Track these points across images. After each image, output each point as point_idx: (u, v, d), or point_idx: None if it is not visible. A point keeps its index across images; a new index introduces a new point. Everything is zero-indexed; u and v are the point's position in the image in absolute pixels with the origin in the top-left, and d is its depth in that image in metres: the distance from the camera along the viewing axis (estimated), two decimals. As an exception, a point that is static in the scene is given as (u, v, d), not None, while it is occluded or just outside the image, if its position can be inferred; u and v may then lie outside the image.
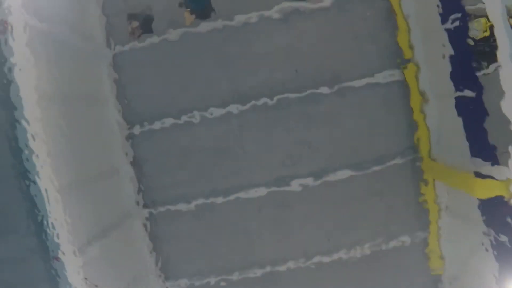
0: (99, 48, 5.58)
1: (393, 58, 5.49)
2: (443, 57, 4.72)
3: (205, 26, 5.57)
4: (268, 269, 5.85)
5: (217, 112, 5.63)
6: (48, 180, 3.73)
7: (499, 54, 3.32)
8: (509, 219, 4.02)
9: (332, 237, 5.79)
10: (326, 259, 5.82)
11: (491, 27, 3.70)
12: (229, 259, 5.84)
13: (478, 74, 4.40)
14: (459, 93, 4.59)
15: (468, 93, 4.44)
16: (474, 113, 4.38)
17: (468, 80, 4.42)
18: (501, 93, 3.47)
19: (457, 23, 4.45)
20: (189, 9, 5.62)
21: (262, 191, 5.72)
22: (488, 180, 4.06)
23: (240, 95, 5.62)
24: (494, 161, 4.13)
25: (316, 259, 5.82)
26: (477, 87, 4.33)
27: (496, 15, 3.23)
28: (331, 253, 5.81)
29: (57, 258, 3.70)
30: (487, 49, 4.57)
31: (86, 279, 3.88)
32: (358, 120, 5.62)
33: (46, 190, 3.70)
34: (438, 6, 4.67)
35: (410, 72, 5.42)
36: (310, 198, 5.73)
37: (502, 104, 3.45)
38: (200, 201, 5.73)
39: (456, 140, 4.73)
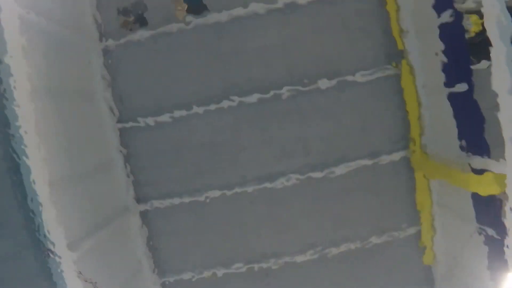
0: (92, 42, 5.53)
1: (388, 54, 5.51)
2: (436, 53, 4.74)
3: (199, 20, 5.54)
4: (262, 263, 5.87)
5: (211, 107, 5.62)
6: (40, 175, 3.70)
7: (492, 51, 3.33)
8: (500, 214, 4.05)
9: (327, 232, 5.82)
10: (320, 254, 5.85)
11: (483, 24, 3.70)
12: (224, 254, 5.85)
13: (471, 69, 4.40)
14: (452, 88, 4.61)
15: (460, 87, 4.47)
16: (466, 108, 4.41)
17: (461, 75, 4.44)
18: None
19: (450, 19, 4.47)
20: (183, 3, 5.57)
21: (256, 186, 5.73)
22: (482, 175, 4.09)
23: (234, 90, 5.61)
24: (487, 155, 4.17)
25: (311, 254, 5.85)
26: (470, 82, 4.36)
27: (490, 11, 3.24)
28: (325, 248, 5.84)
29: (51, 253, 3.68)
30: (478, 45, 4.58)
31: (79, 272, 3.85)
32: (352, 115, 5.64)
33: (38, 185, 3.67)
34: (432, 2, 4.68)
35: (404, 67, 5.44)
36: (305, 193, 5.75)
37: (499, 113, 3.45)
38: (195, 196, 5.73)
39: (449, 135, 4.77)
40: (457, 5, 4.38)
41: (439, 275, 5.74)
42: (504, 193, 3.77)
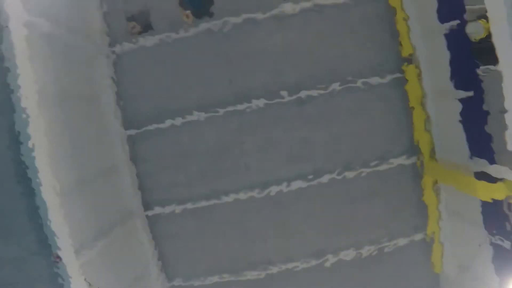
0: (99, 48, 5.57)
1: (394, 58, 5.48)
2: (443, 57, 4.72)
3: (204, 25, 5.55)
4: (268, 269, 5.83)
5: (217, 111, 5.62)
6: (48, 180, 3.73)
7: (499, 55, 3.30)
8: (509, 221, 4.01)
9: (333, 237, 5.77)
10: (326, 259, 5.81)
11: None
12: (230, 259, 5.83)
13: (478, 74, 4.37)
14: (459, 93, 4.58)
15: (468, 93, 4.44)
16: (474, 113, 4.38)
17: (468, 80, 4.41)
18: (500, 93, 3.46)
19: (456, 23, 4.45)
20: (188, 8, 5.61)
21: (262, 191, 5.71)
22: (490, 182, 4.04)
23: (239, 95, 5.61)
24: (495, 161, 4.13)
25: (317, 259, 5.81)
26: (477, 87, 4.33)
27: (496, 15, 3.22)
28: (332, 253, 5.80)
29: (58, 258, 3.69)
30: (486, 49, 4.54)
31: (85, 280, 3.86)
32: (359, 119, 5.61)
33: (45, 190, 3.70)
34: (437, 6, 4.66)
35: (411, 72, 5.41)
36: (310, 198, 5.72)
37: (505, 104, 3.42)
38: (200, 201, 5.72)
39: (456, 140, 4.73)
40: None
41: (447, 282, 5.67)
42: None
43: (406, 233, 5.74)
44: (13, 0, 3.70)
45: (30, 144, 3.65)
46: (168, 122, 5.63)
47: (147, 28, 5.61)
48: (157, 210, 5.76)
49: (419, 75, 5.35)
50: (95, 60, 5.54)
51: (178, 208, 5.76)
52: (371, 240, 5.77)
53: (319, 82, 5.55)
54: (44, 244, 3.70)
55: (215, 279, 5.87)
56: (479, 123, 4.26)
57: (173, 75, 5.62)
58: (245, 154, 5.70)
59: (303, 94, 5.57)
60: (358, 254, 5.78)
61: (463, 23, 4.35)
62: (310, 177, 5.68)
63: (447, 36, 4.56)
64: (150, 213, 5.77)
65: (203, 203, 5.74)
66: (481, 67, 4.33)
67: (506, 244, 4.09)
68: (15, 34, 3.66)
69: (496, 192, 3.89)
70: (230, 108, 5.60)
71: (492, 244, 4.38)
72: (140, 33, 5.62)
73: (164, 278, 5.89)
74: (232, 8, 5.50)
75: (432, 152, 5.42)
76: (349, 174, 5.65)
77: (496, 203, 4.02)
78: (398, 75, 5.49)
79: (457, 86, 4.58)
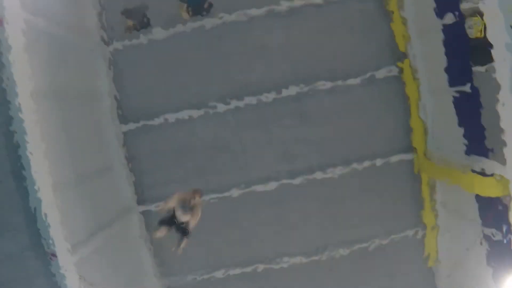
0: (96, 45, 5.57)
1: (390, 55, 5.49)
2: (439, 53, 4.73)
3: (202, 22, 5.55)
4: (265, 265, 5.86)
5: (214, 109, 5.63)
6: (43, 177, 3.74)
7: (494, 50, 3.32)
8: (504, 217, 4.02)
9: (330, 233, 5.79)
10: (323, 255, 5.83)
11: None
12: (227, 256, 5.85)
13: (473, 70, 4.38)
14: (454, 89, 4.59)
15: (463, 88, 4.44)
16: (469, 109, 4.38)
17: (463, 76, 4.42)
18: (495, 90, 3.47)
19: (453, 20, 4.45)
20: (186, 5, 5.61)
21: (258, 188, 5.72)
22: (485, 178, 4.05)
23: (237, 92, 5.61)
24: (490, 157, 4.14)
25: (314, 255, 5.83)
26: (473, 83, 4.34)
27: (491, 11, 3.24)
28: (329, 249, 5.82)
29: (52, 255, 3.70)
30: (482, 46, 4.54)
31: (81, 277, 3.86)
32: (355, 117, 5.62)
33: (41, 187, 3.71)
34: (434, 3, 4.67)
35: (407, 68, 5.42)
36: (307, 195, 5.74)
37: (498, 104, 3.44)
38: (197, 198, 5.75)
39: (451, 136, 4.74)
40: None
41: (443, 276, 5.70)
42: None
43: (402, 228, 5.76)
44: (11, -2, 3.71)
45: (26, 142, 3.66)
46: (164, 119, 5.63)
47: (144, 24, 5.61)
48: (153, 206, 5.73)
49: (415, 71, 5.36)
50: (92, 57, 5.53)
51: (174, 205, 5.76)
52: (367, 236, 5.80)
53: (316, 79, 5.56)
54: (40, 241, 3.71)
55: (210, 275, 5.88)
56: (475, 119, 4.27)
57: (170, 72, 5.61)
58: (241, 151, 5.70)
59: (300, 91, 5.57)
60: (354, 250, 5.80)
61: (461, 17, 4.35)
62: (307, 173, 5.69)
63: (444, 31, 4.55)
64: (146, 209, 5.77)
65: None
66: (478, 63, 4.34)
67: (501, 238, 4.11)
68: (12, 32, 3.67)
69: (492, 188, 3.90)
70: (227, 105, 5.60)
71: (487, 239, 4.40)
72: (137, 29, 5.60)
73: (160, 274, 5.90)
74: (229, 5, 5.50)
75: (429, 148, 5.43)
76: (346, 171, 5.67)
77: (491, 198, 4.04)
78: (395, 72, 5.50)
79: (453, 81, 4.59)
